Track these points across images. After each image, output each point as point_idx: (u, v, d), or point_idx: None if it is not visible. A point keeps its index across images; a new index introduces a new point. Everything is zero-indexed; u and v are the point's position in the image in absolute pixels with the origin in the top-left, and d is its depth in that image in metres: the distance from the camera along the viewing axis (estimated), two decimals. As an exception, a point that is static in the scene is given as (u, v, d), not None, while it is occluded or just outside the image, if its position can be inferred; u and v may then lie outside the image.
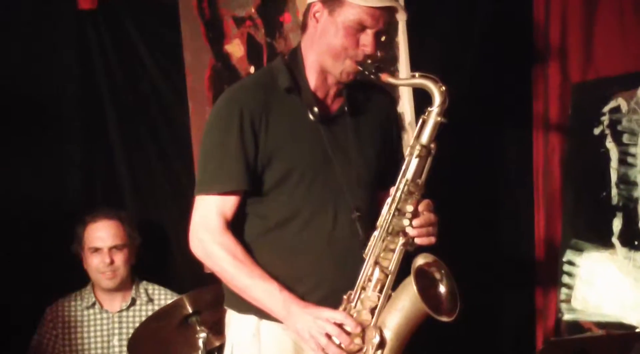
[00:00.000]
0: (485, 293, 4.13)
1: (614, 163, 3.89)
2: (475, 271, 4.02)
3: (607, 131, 3.92)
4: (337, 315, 2.84)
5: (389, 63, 4.12)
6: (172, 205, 4.75)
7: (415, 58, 4.08)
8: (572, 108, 4.05)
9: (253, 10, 4.53)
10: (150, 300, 4.48)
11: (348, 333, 2.82)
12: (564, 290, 3.96)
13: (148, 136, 4.86)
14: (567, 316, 3.95)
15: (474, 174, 4.18)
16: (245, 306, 2.97)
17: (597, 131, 3.95)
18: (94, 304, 4.46)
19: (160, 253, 4.69)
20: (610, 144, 3.91)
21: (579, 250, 3.94)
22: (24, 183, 4.62)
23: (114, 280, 4.42)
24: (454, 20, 4.23)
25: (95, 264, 4.41)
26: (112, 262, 4.40)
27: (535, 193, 4.16)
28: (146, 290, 4.50)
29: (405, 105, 4.13)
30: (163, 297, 4.49)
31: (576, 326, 3.92)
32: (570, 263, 3.96)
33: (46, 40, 4.71)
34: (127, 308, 4.46)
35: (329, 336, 2.81)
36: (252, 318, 2.98)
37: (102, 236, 4.42)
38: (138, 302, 4.47)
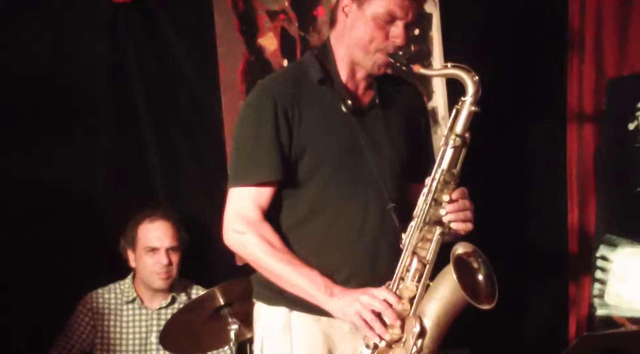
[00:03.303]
0: (519, 287, 4.12)
1: (648, 158, 3.89)
2: (509, 265, 4.00)
3: (642, 126, 3.93)
4: (381, 292, 2.82)
5: (423, 58, 4.13)
6: (204, 198, 4.73)
7: (449, 52, 4.08)
8: (607, 103, 4.05)
9: (287, 4, 4.55)
10: (189, 299, 4.47)
11: (392, 309, 2.80)
12: (597, 285, 3.95)
13: (180, 128, 4.85)
14: (600, 312, 3.94)
15: (508, 168, 4.17)
16: (276, 298, 2.96)
17: (631, 126, 3.94)
18: (134, 299, 4.46)
19: (191, 246, 4.69)
20: (644, 139, 3.91)
21: (613, 245, 3.92)
22: (56, 176, 4.62)
23: (167, 281, 4.40)
24: (489, 14, 4.22)
25: (150, 264, 4.40)
26: (170, 263, 4.39)
27: (568, 187, 4.16)
28: (185, 288, 4.50)
29: (439, 100, 4.13)
30: None
31: (609, 322, 3.91)
32: (604, 258, 3.94)
33: (80, 32, 4.70)
34: (167, 306, 4.45)
35: (374, 312, 2.79)
36: (282, 310, 2.96)
37: (160, 236, 4.41)
38: (177, 301, 4.46)
